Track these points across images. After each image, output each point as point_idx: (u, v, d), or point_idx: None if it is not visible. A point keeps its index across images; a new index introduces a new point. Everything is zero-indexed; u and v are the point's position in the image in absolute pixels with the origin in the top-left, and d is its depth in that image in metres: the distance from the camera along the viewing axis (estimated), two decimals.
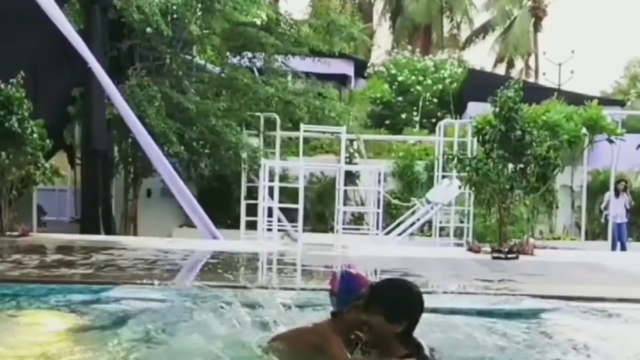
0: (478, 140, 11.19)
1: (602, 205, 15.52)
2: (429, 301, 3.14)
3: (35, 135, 10.26)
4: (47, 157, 11.08)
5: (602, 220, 15.57)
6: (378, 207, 13.67)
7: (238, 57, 15.44)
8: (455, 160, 10.91)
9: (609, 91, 36.04)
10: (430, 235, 14.61)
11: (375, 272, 7.35)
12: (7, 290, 5.58)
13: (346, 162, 14.65)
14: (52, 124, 11.50)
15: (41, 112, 10.62)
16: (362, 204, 15.68)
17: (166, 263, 7.63)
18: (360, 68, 22.82)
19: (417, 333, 3.04)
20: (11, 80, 10.14)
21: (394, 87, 22.36)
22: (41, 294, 5.55)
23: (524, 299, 5.67)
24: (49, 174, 10.62)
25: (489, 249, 9.50)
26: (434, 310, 4.01)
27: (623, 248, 14.90)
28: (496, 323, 4.73)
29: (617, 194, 15.05)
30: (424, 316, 3.04)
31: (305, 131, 14.25)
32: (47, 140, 10.62)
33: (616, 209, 15.01)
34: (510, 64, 35.27)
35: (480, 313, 4.97)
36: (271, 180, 12.92)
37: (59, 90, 13.00)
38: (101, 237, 11.33)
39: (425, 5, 32.49)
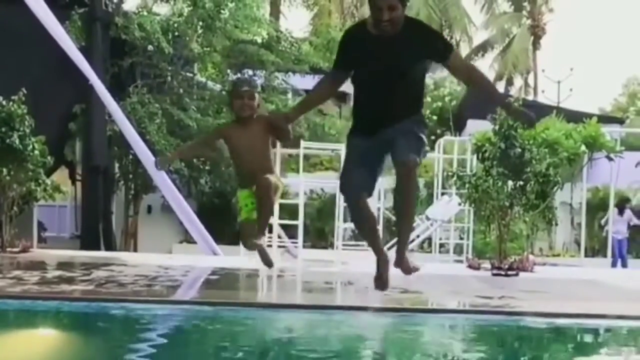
0: (478, 158, 11.23)
1: (603, 221, 15.62)
2: None
3: (36, 152, 10.29)
4: (48, 174, 11.10)
5: (604, 234, 15.68)
6: (378, 224, 13.67)
7: (239, 75, 15.51)
8: (455, 177, 10.95)
9: (607, 109, 36.17)
10: (430, 252, 14.61)
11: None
12: (7, 306, 5.58)
13: None
14: (53, 140, 11.53)
15: (42, 129, 10.66)
16: None
17: (166, 279, 7.63)
18: None
19: None
20: (13, 97, 10.18)
21: None
22: (41, 310, 5.55)
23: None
24: (50, 191, 10.64)
25: (488, 266, 9.50)
26: None
27: (624, 264, 14.94)
28: None
29: (620, 211, 15.15)
30: None
31: (305, 148, 14.28)
32: (49, 157, 10.65)
33: (617, 225, 15.08)
34: (510, 82, 35.40)
35: None
36: None
37: (60, 106, 13.07)
38: (101, 253, 11.33)
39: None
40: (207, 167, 13.91)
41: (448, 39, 4.20)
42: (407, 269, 4.71)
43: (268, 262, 5.08)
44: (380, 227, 13.36)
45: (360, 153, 4.62)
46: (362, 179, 4.64)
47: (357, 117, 4.75)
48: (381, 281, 4.69)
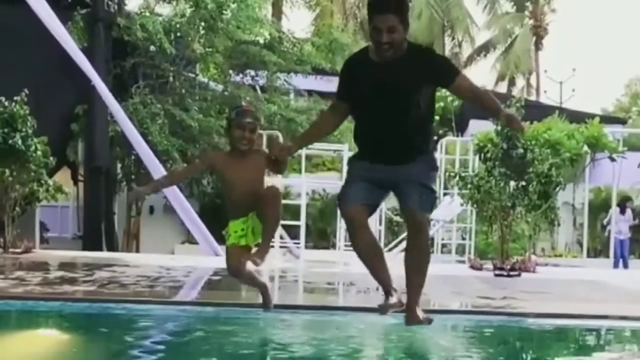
0: (480, 158, 11.23)
1: (605, 221, 15.59)
2: None
3: (38, 153, 10.31)
4: (51, 174, 11.12)
5: (606, 234, 15.66)
6: (380, 225, 13.67)
7: (241, 75, 15.54)
8: (457, 178, 10.95)
9: (610, 109, 36.18)
10: (433, 252, 14.61)
11: (377, 289, 7.35)
12: (9, 307, 5.59)
13: None
14: (55, 141, 11.56)
15: (45, 130, 10.68)
16: None
17: (168, 280, 7.63)
18: None
19: None
20: (15, 98, 10.20)
21: None
22: (43, 311, 5.56)
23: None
24: (52, 191, 10.66)
25: (490, 266, 9.51)
26: None
27: (625, 265, 14.92)
28: None
29: (622, 210, 15.12)
30: None
31: (307, 148, 14.29)
32: (51, 158, 10.67)
33: (619, 225, 15.05)
34: (512, 82, 35.39)
35: None
36: None
37: (62, 107, 13.10)
38: (103, 254, 11.34)
39: (426, 24, 32.67)
40: None
41: (454, 64, 3.98)
42: (420, 322, 4.53)
43: (267, 303, 4.98)
44: (382, 228, 13.47)
45: (362, 175, 4.40)
46: (360, 195, 4.36)
47: (361, 145, 4.47)
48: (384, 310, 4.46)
